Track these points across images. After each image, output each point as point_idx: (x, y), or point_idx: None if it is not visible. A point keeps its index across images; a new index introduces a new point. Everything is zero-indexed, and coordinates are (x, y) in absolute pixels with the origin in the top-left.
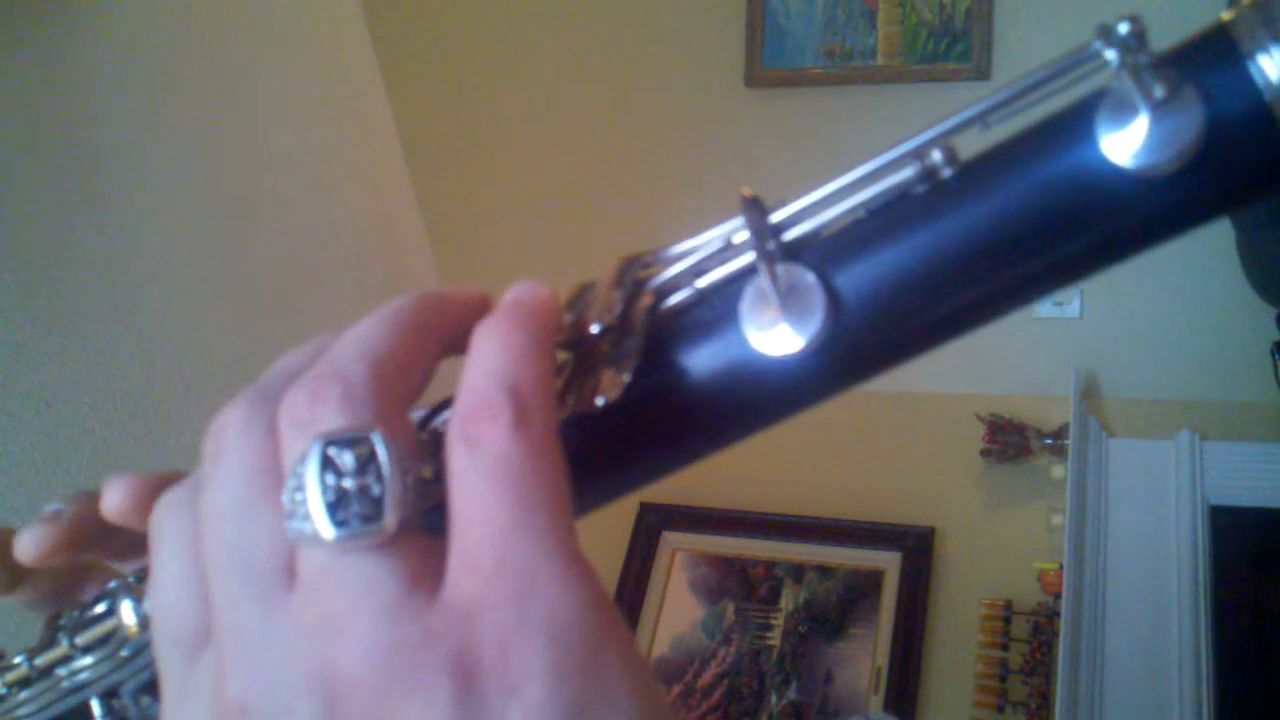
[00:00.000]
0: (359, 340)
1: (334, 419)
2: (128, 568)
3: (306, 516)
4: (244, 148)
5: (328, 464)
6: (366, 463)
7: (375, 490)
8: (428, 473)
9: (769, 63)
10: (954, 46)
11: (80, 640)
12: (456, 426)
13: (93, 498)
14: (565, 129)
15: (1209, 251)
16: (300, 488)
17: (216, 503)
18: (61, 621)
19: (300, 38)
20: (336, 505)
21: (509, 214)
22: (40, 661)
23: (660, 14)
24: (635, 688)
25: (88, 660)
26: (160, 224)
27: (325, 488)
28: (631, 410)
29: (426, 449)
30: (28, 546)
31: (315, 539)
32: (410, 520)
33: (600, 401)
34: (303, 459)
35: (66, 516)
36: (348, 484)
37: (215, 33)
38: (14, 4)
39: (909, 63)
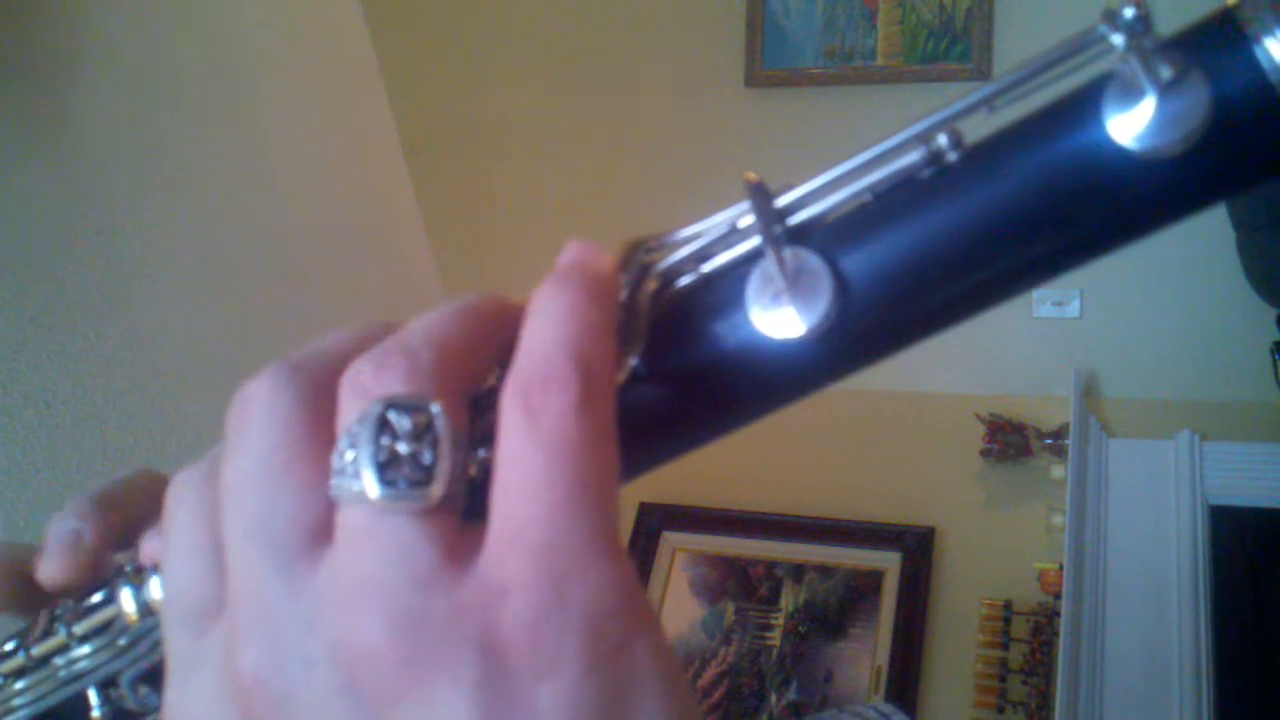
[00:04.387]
0: (428, 325)
1: (397, 388)
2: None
3: (356, 474)
4: (244, 148)
5: (385, 426)
6: (423, 431)
7: (426, 458)
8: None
9: (769, 63)
10: (954, 46)
11: (78, 629)
12: (518, 391)
13: (106, 506)
14: (565, 129)
15: (1209, 251)
16: (353, 445)
17: (240, 472)
18: (58, 610)
19: (300, 38)
20: (386, 466)
21: (509, 214)
22: (37, 651)
23: (660, 14)
24: (665, 678)
25: (85, 649)
26: (160, 224)
27: (379, 447)
28: (636, 393)
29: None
30: (53, 574)
31: (360, 497)
32: (452, 497)
33: None
34: (361, 419)
35: (88, 539)
36: (401, 448)
37: (215, 33)
38: (14, 4)
39: (909, 63)
